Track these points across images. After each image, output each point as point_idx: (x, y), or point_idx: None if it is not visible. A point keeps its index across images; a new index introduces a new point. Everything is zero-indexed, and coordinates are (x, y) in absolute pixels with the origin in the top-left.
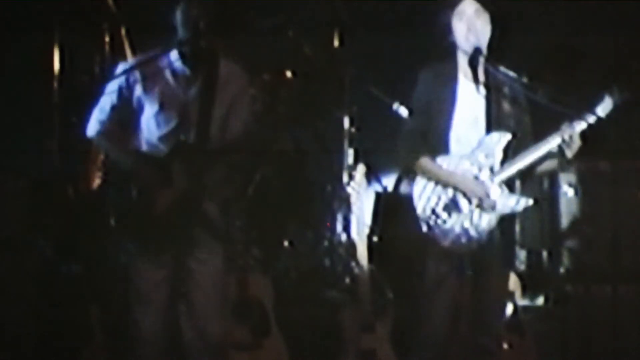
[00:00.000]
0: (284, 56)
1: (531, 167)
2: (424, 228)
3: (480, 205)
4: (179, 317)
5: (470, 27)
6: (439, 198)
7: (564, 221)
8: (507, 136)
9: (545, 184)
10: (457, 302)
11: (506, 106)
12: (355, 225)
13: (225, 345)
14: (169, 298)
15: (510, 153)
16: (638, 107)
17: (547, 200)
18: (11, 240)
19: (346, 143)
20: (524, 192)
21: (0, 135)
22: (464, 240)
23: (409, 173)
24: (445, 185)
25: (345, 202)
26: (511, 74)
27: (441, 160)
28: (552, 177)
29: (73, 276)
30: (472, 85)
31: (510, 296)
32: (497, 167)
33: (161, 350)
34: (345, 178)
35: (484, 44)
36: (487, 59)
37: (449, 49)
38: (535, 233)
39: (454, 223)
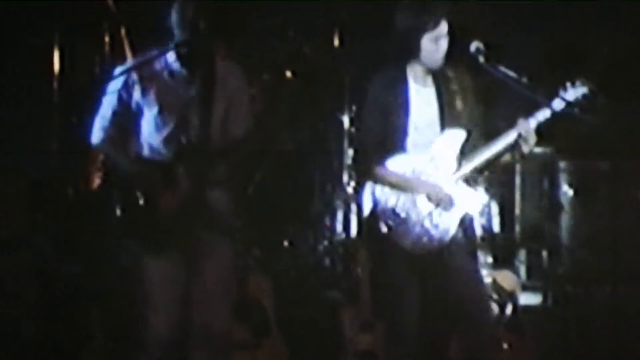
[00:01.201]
0: (284, 56)
1: (488, 164)
2: (384, 228)
3: (439, 205)
4: (180, 317)
5: (440, 49)
6: (398, 198)
7: (564, 221)
8: (462, 134)
9: (545, 183)
10: (428, 300)
11: (458, 104)
12: (355, 225)
13: (225, 344)
14: (170, 298)
15: (465, 151)
16: (638, 107)
17: (547, 200)
18: (11, 240)
19: (346, 143)
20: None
21: (0, 135)
22: (425, 239)
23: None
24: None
25: (345, 202)
26: (511, 73)
27: (398, 161)
28: (552, 177)
29: (73, 276)
30: (423, 89)
31: (510, 296)
32: (454, 165)
33: (163, 350)
34: (345, 178)
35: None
36: (487, 59)
37: (401, 56)
38: (535, 233)
39: (414, 223)
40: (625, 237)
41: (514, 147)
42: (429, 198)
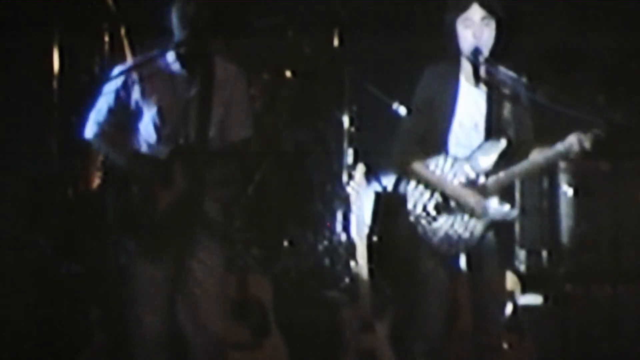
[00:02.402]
0: (284, 56)
1: (528, 176)
2: (412, 220)
3: (472, 213)
4: (179, 317)
5: (476, 35)
6: (432, 195)
7: (564, 221)
8: (503, 142)
9: (545, 183)
10: (451, 301)
11: (507, 111)
12: (355, 225)
13: (225, 344)
14: (169, 298)
15: (506, 160)
16: (638, 107)
17: (547, 200)
18: (11, 240)
19: (346, 143)
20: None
21: (0, 135)
22: (454, 240)
23: (402, 175)
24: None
25: (345, 202)
26: (511, 74)
27: (438, 162)
28: (552, 177)
29: (73, 276)
30: (473, 89)
31: (510, 296)
32: (493, 172)
33: (162, 350)
34: (345, 178)
35: (486, 49)
36: (487, 60)
37: (453, 51)
38: (535, 233)
39: (443, 222)
40: (625, 237)
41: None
42: (461, 204)
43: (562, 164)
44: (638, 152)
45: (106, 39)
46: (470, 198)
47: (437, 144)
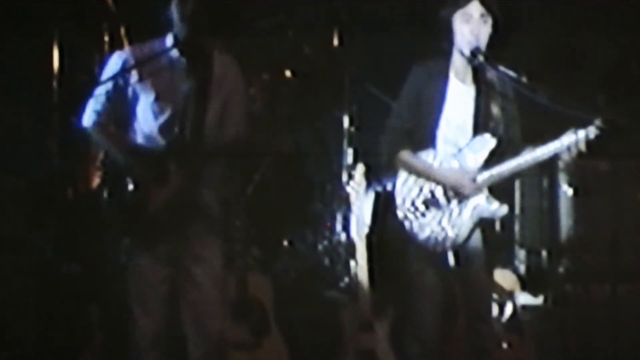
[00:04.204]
0: (284, 56)
1: (519, 174)
2: (400, 216)
3: (457, 194)
4: (178, 316)
5: (474, 31)
6: (420, 191)
7: (564, 221)
8: (493, 141)
9: (545, 183)
10: (442, 299)
11: (496, 109)
12: (355, 225)
13: (224, 344)
14: (168, 297)
15: (496, 158)
16: (638, 107)
17: (547, 200)
18: (11, 240)
19: (346, 143)
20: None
21: (0, 135)
22: (440, 237)
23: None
24: (425, 179)
25: (345, 202)
26: (511, 73)
27: (427, 158)
28: (552, 177)
29: (73, 276)
30: (462, 86)
31: (510, 296)
32: (482, 169)
33: (161, 349)
34: (344, 178)
35: (482, 46)
36: (486, 59)
37: (444, 48)
38: (535, 233)
39: (431, 219)
40: (625, 237)
41: (554, 157)
42: (450, 185)
43: (561, 164)
44: (638, 152)
45: (106, 39)
46: (457, 180)
47: (424, 140)
